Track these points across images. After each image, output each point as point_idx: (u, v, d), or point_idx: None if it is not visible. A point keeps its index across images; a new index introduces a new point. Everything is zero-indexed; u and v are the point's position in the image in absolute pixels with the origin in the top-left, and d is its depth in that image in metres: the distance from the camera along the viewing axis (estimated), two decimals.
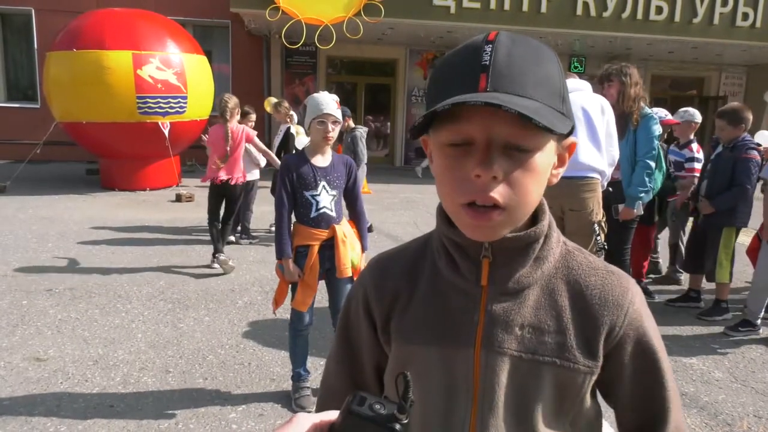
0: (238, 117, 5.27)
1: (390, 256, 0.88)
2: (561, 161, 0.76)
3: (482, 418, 0.74)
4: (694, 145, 5.00)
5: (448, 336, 0.76)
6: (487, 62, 0.65)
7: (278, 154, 6.21)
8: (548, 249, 0.76)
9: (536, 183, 0.69)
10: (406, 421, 0.54)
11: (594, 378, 0.75)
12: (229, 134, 5.09)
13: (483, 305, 0.75)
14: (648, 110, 3.78)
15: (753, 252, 4.38)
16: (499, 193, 0.66)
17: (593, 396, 0.80)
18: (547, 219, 0.77)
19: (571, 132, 0.73)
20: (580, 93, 3.35)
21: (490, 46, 0.66)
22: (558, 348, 0.74)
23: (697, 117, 5.01)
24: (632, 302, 0.76)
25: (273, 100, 7.90)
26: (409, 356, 0.77)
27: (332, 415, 0.57)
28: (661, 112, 4.64)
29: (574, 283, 0.77)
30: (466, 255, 0.76)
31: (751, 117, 4.18)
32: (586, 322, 0.75)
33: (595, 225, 3.24)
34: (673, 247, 5.21)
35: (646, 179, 3.70)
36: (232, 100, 5.15)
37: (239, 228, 6.26)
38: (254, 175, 6.23)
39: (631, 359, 0.76)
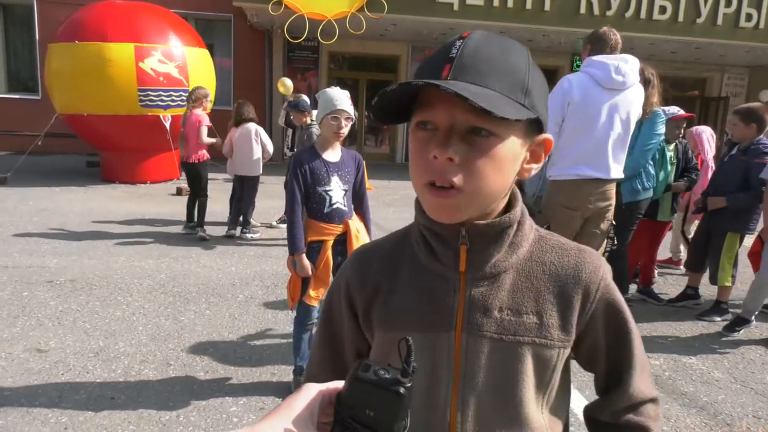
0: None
1: (370, 248, 0.91)
2: (535, 157, 0.79)
3: (463, 397, 0.78)
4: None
5: (430, 321, 0.80)
6: (454, 55, 0.70)
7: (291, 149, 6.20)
8: (522, 235, 0.81)
9: (496, 170, 0.72)
10: (409, 385, 0.55)
11: (567, 351, 0.80)
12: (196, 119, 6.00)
13: (462, 290, 0.79)
14: (657, 109, 3.82)
15: (754, 255, 4.37)
16: (455, 175, 0.70)
17: (565, 369, 0.85)
18: (520, 207, 0.81)
19: (542, 129, 0.77)
20: (634, 92, 3.23)
21: (461, 41, 0.71)
22: (536, 328, 0.78)
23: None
24: (603, 278, 0.82)
25: (287, 82, 7.77)
26: (393, 342, 0.79)
27: (339, 383, 0.60)
28: (672, 109, 4.58)
29: (549, 264, 0.81)
30: (445, 242, 0.80)
31: None
32: (562, 301, 0.79)
33: (612, 223, 3.33)
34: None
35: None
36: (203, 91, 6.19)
37: (241, 221, 6.27)
38: (258, 169, 6.22)
39: (604, 329, 0.82)
